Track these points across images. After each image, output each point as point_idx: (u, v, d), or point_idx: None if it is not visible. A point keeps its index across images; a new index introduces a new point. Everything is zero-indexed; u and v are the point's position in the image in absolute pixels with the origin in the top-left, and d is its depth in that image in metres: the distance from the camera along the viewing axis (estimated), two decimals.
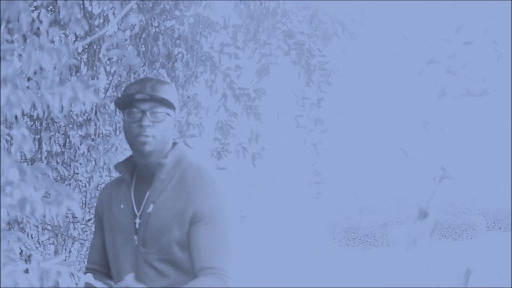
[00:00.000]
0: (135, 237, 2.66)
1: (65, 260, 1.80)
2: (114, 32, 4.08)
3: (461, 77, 2.09)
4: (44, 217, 3.73)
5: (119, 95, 4.10)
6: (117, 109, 4.08)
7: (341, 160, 31.85)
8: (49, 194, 1.93)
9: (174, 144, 2.79)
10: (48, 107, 1.80)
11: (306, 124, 4.58)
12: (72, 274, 1.72)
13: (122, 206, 2.71)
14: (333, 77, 4.58)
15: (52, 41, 2.00)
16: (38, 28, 2.04)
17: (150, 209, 2.65)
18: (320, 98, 4.60)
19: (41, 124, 3.83)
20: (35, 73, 1.98)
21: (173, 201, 2.64)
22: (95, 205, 2.91)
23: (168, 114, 2.65)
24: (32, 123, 3.96)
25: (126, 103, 2.62)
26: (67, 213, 3.87)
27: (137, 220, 2.66)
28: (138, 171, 2.73)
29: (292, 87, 4.57)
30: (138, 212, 2.68)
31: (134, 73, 4.03)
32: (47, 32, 2.04)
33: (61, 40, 1.95)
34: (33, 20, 2.22)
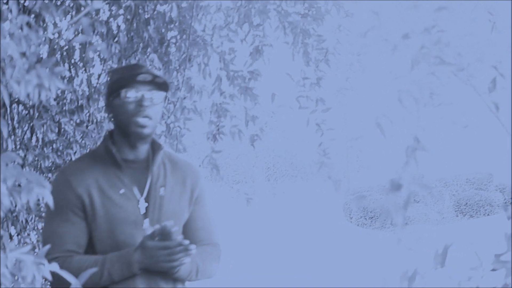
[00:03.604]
0: (146, 220, 2.66)
1: (33, 250, 1.80)
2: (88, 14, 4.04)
3: (435, 50, 2.06)
4: (38, 205, 3.73)
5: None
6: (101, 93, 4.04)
7: (345, 140, 31.81)
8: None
9: None
10: (39, 95, 1.80)
11: (307, 104, 4.54)
12: (41, 263, 1.71)
13: (121, 191, 2.66)
14: (331, 55, 4.54)
15: (21, 28, 1.98)
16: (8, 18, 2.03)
17: (162, 193, 2.71)
18: (319, 78, 4.56)
19: (34, 112, 3.83)
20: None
21: (180, 185, 2.76)
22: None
23: (162, 100, 2.71)
24: (26, 111, 3.96)
25: (122, 85, 2.64)
26: None
27: (143, 204, 2.67)
28: (123, 154, 2.71)
29: (288, 68, 4.54)
30: (142, 195, 2.68)
31: (126, 59, 4.01)
32: (16, 19, 2.02)
33: (30, 27, 1.93)
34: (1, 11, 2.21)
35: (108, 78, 2.85)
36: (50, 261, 2.70)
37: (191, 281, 2.79)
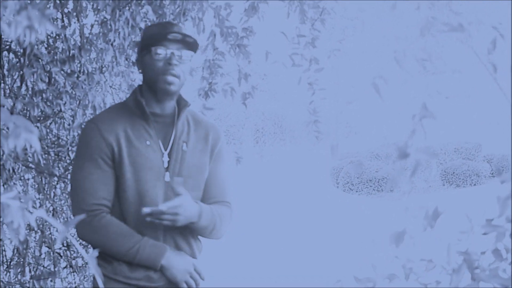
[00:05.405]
0: (167, 173, 2.80)
1: (21, 195, 1.77)
2: None
3: (436, 12, 2.03)
4: (26, 154, 3.69)
5: (105, 32, 4.04)
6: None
7: (335, 104, 31.62)
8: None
9: None
10: (30, 42, 1.75)
11: (301, 63, 4.50)
12: (27, 210, 1.68)
13: (148, 142, 2.79)
14: (326, 15, 4.49)
15: None
16: None
17: (185, 147, 2.84)
18: (314, 37, 4.51)
19: (24, 61, 3.77)
20: None
21: (202, 142, 2.90)
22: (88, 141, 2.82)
23: (190, 59, 2.83)
24: (17, 59, 3.90)
25: (153, 42, 2.78)
26: (48, 151, 3.85)
27: (166, 158, 2.81)
28: (150, 108, 2.84)
29: (282, 26, 4.48)
30: (166, 149, 2.82)
31: (120, 10, 3.95)
32: None
33: None
34: None
35: (141, 35, 2.97)
36: (86, 212, 2.73)
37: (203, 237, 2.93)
